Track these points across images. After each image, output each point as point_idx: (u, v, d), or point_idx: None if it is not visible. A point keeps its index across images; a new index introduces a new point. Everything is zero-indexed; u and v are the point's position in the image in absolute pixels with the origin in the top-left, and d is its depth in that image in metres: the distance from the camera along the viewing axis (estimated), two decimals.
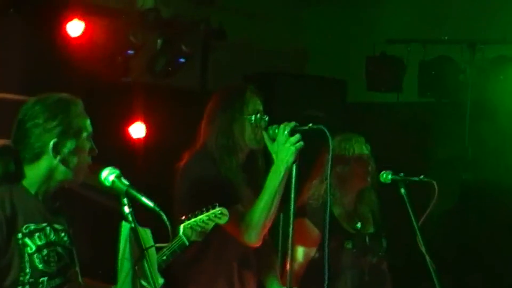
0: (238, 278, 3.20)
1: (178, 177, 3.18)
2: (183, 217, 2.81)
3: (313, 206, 3.45)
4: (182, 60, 5.06)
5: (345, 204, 3.55)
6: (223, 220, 2.83)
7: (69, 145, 2.50)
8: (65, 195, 2.63)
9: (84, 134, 2.54)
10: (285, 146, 2.97)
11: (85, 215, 2.80)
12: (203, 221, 2.81)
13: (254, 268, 3.27)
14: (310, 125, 2.96)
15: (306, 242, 3.41)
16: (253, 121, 3.13)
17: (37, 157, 2.49)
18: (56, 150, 2.49)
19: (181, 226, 2.81)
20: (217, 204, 2.81)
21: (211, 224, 2.83)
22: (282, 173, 2.99)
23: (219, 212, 2.82)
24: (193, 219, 2.81)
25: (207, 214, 2.82)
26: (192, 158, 3.18)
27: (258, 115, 3.14)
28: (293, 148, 2.97)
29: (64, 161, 2.50)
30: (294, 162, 2.96)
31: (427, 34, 5.58)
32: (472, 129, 5.39)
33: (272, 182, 3.01)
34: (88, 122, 2.57)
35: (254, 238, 3.04)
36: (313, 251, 3.44)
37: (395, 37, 5.59)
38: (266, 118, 3.13)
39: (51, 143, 2.48)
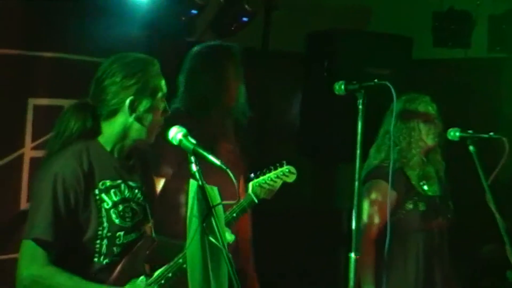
0: None
1: None
2: (252, 175, 2.84)
3: (388, 169, 3.42)
4: (245, 19, 5.03)
5: (415, 164, 3.52)
6: (290, 179, 2.85)
7: (145, 103, 2.54)
8: (137, 154, 2.68)
9: (160, 94, 2.58)
10: None
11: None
12: (272, 179, 2.84)
13: None
14: (376, 80, 2.92)
15: (382, 204, 3.39)
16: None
17: (113, 114, 2.54)
18: (132, 107, 2.53)
19: (250, 184, 2.83)
20: (284, 162, 2.82)
21: (279, 182, 2.85)
22: None
23: (287, 170, 2.83)
24: (261, 177, 2.83)
25: (275, 172, 2.84)
26: None
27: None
28: None
29: (139, 119, 2.55)
30: (357, 118, 2.91)
31: None
32: None
33: None
34: (163, 82, 2.61)
35: None
36: (378, 214, 3.42)
37: None
38: None
39: (128, 100, 2.52)
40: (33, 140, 3.79)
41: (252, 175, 2.86)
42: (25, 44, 3.73)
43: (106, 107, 2.54)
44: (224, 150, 3.18)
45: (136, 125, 2.56)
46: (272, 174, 2.85)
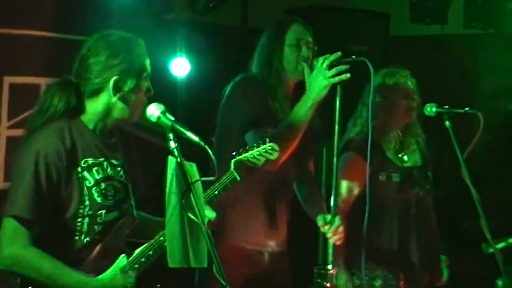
0: (271, 209, 3.28)
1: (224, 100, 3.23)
2: (234, 153, 2.81)
3: (360, 142, 3.45)
4: None
5: (391, 138, 3.56)
6: (273, 156, 2.80)
7: (130, 83, 2.54)
8: (118, 132, 2.68)
9: (144, 74, 2.57)
10: (318, 79, 2.95)
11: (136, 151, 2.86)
12: (254, 157, 2.79)
13: (285, 199, 3.34)
14: (353, 57, 2.93)
15: (355, 176, 3.43)
16: (294, 51, 3.12)
17: (96, 92, 2.53)
18: (116, 87, 2.52)
19: (232, 162, 2.81)
20: (267, 139, 2.80)
21: (262, 159, 2.80)
22: (309, 104, 2.98)
23: (270, 147, 2.78)
24: (243, 155, 2.79)
25: (257, 149, 2.79)
26: (237, 83, 3.21)
27: (301, 45, 3.13)
28: (325, 82, 2.93)
29: (123, 99, 2.54)
30: (334, 95, 2.93)
31: None
32: None
33: (298, 112, 3.01)
34: (148, 62, 2.59)
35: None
36: (356, 186, 3.46)
37: None
38: (314, 48, 3.11)
39: (112, 80, 2.51)
40: (9, 119, 3.77)
41: (234, 152, 2.84)
42: (0, 22, 3.69)
43: (90, 85, 2.53)
44: None
45: (120, 105, 2.55)
46: (254, 152, 2.81)
